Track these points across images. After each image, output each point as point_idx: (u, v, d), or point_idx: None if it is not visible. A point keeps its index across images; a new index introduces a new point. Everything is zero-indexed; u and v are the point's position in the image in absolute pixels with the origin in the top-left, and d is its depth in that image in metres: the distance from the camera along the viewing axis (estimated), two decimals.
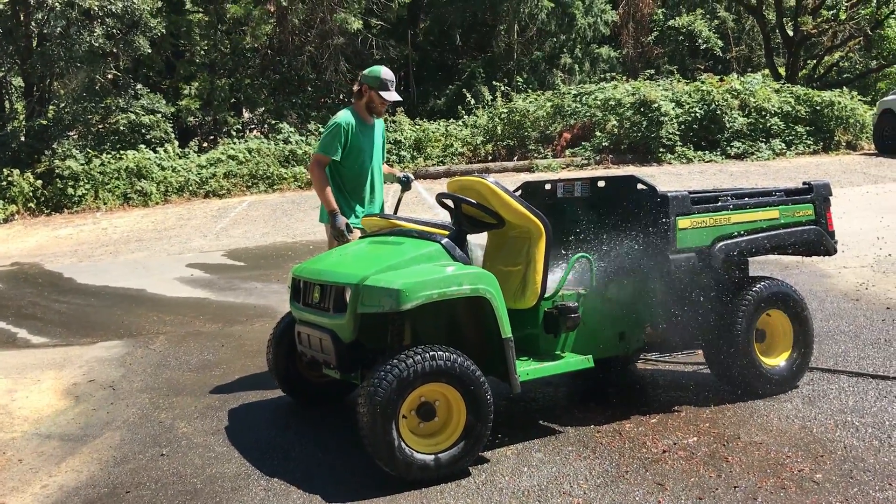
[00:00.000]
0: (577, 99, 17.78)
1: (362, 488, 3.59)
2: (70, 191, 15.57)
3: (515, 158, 16.76)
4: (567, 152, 16.71)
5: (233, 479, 3.76)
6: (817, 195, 4.69)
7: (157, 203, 15.60)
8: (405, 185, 5.47)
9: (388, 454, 3.48)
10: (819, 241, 4.67)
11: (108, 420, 4.70)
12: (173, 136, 18.14)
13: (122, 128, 17.52)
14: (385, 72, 5.17)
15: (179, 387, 5.28)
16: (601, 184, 4.75)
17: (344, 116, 5.16)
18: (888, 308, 6.18)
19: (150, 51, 17.88)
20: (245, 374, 5.50)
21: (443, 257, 3.90)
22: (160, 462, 4.02)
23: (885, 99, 16.83)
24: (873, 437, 3.90)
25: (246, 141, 17.71)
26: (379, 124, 5.40)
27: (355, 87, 5.27)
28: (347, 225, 5.05)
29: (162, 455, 4.11)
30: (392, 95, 5.17)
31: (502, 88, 18.76)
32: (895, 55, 28.03)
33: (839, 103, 17.34)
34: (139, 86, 18.37)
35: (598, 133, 16.71)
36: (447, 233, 4.06)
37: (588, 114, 17.17)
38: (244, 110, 21.45)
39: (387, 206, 5.54)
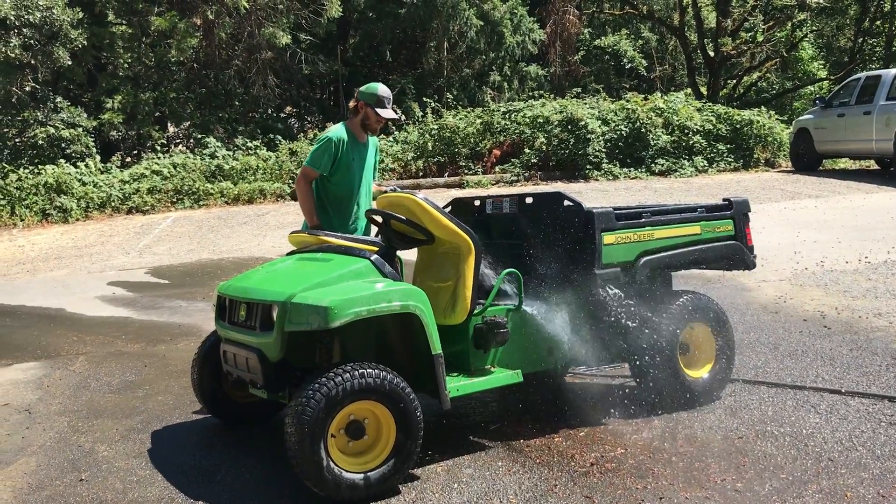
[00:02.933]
0: (507, 116, 17.99)
1: None
2: None
3: (446, 174, 16.84)
4: (497, 169, 16.87)
5: None
6: (737, 211, 4.84)
7: (77, 219, 15.13)
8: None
9: (317, 474, 3.44)
10: (739, 255, 4.82)
11: (22, 445, 4.51)
12: (95, 150, 17.61)
13: (40, 142, 16.93)
14: (382, 89, 5.06)
15: (100, 409, 5.11)
16: (529, 200, 4.80)
17: (336, 131, 5.03)
18: (805, 320, 6.40)
19: (70, 63, 17.36)
20: (169, 394, 5.36)
21: (372, 274, 3.88)
22: (79, 488, 3.88)
23: (800, 118, 17.52)
24: (791, 445, 4.02)
25: (171, 156, 17.33)
26: (373, 142, 5.27)
27: (351, 104, 5.12)
28: None
29: (81, 480, 3.97)
30: (388, 113, 5.03)
31: (433, 105, 18.85)
32: (809, 76, 29.26)
33: (758, 122, 17.97)
34: (59, 99, 17.81)
35: (526, 150, 16.93)
36: (376, 249, 4.05)
37: (517, 131, 17.39)
38: (169, 124, 21.00)
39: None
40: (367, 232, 5.18)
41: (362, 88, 5.12)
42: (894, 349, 5.55)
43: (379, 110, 4.99)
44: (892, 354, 5.44)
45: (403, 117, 18.70)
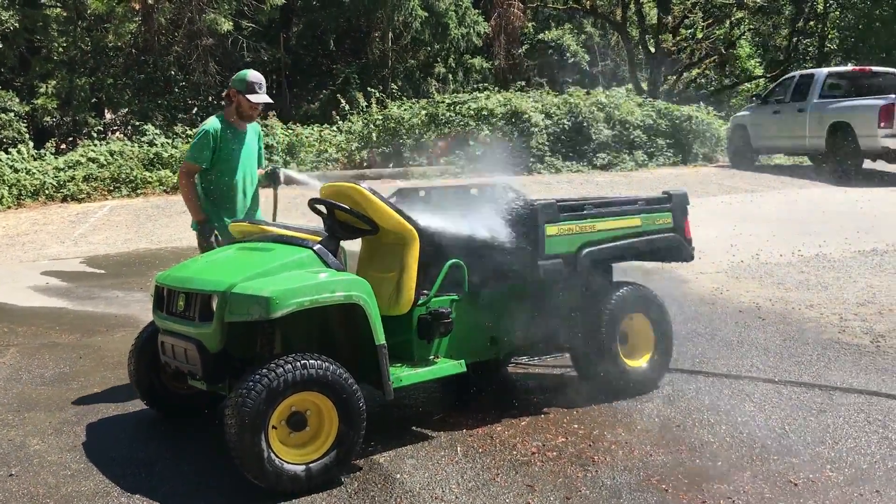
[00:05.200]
0: (451, 108, 17.99)
1: (231, 502, 3.48)
2: None
3: (391, 165, 16.76)
4: (442, 160, 16.87)
5: (90, 498, 3.57)
6: (676, 204, 4.92)
7: (9, 207, 14.65)
8: (274, 178, 5.35)
9: (257, 466, 3.40)
10: (678, 247, 4.91)
11: None
12: (28, 136, 17.09)
13: None
14: (252, 74, 5.07)
15: (32, 401, 4.97)
16: (474, 192, 4.81)
17: (212, 123, 5.03)
18: (741, 311, 6.56)
19: (0, 46, 16.80)
20: (105, 386, 5.23)
21: (315, 264, 3.85)
22: (8, 483, 3.76)
23: (737, 115, 17.91)
24: (726, 433, 4.12)
25: (108, 143, 16.87)
26: (253, 129, 5.27)
27: (224, 93, 5.14)
28: (216, 235, 4.92)
29: (11, 475, 3.85)
30: (261, 98, 5.05)
31: (377, 95, 18.73)
32: (747, 73, 29.94)
33: (697, 118, 18.30)
34: None
35: (471, 142, 16.97)
36: (319, 239, 4.01)
37: (462, 123, 17.40)
38: (106, 111, 20.48)
39: (267, 214, 5.43)
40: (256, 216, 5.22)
41: (234, 77, 5.15)
42: (825, 339, 5.72)
43: (250, 96, 5.01)
44: (823, 344, 5.61)
45: (342, 110, 18.49)
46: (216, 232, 4.95)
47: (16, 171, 15.24)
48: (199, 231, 5.00)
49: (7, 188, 14.81)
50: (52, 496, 3.61)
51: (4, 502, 3.56)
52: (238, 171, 5.09)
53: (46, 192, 15.11)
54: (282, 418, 3.50)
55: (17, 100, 17.40)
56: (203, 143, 4.98)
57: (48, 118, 18.12)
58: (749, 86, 29.19)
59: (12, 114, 16.84)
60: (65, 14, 18.93)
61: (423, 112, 17.78)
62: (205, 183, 5.09)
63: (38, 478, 3.81)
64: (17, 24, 17.00)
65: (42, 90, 17.50)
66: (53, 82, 17.57)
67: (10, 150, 15.84)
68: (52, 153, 16.49)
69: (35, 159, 15.89)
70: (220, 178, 5.07)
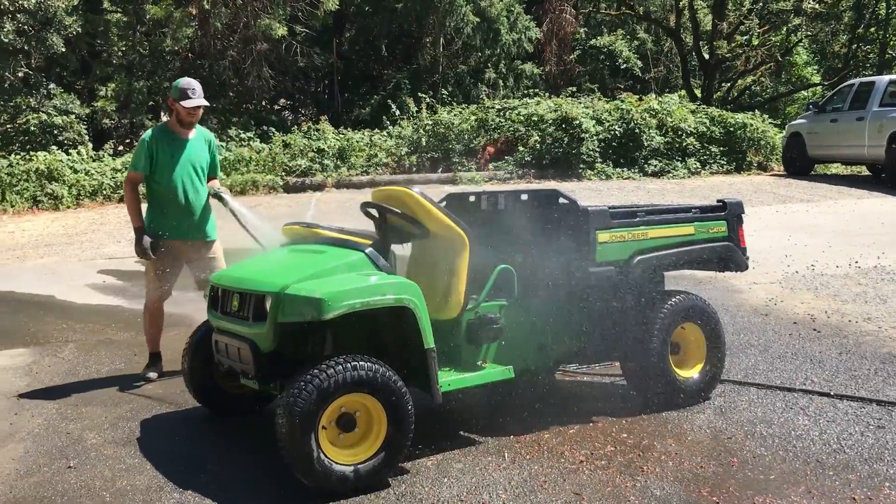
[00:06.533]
0: (501, 114, 17.98)
1: (280, 500, 3.53)
2: None
3: (439, 170, 16.82)
4: (490, 166, 16.87)
5: (144, 492, 3.64)
6: (731, 213, 4.85)
7: (68, 207, 15.05)
8: (222, 201, 5.46)
9: (307, 465, 3.43)
10: (731, 257, 4.83)
11: (11, 431, 4.49)
12: (87, 138, 17.55)
13: (32, 128, 16.86)
14: (185, 81, 5.31)
15: (89, 396, 5.09)
16: (524, 197, 4.80)
17: (149, 132, 5.33)
18: (795, 323, 6.43)
19: (64, 49, 17.26)
20: (159, 383, 5.34)
21: (366, 266, 3.88)
22: (67, 475, 3.86)
23: (793, 123, 17.57)
24: (779, 446, 4.04)
25: None
26: (199, 137, 5.45)
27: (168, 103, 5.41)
28: (152, 244, 5.19)
29: (69, 467, 3.95)
30: (192, 102, 5.24)
31: (427, 100, 18.82)
32: (803, 81, 29.36)
33: (751, 125, 18.01)
34: (52, 85, 17.74)
35: (520, 148, 16.93)
36: (370, 242, 4.04)
37: (511, 129, 17.38)
38: (162, 114, 20.92)
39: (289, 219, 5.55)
40: (203, 222, 5.38)
41: (172, 86, 5.39)
42: (883, 353, 5.58)
43: (183, 102, 5.22)
44: (881, 358, 5.46)
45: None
46: (150, 241, 5.20)
47: (75, 171, 15.66)
48: (136, 238, 5.27)
49: (67, 188, 15.23)
50: (108, 489, 3.69)
51: (63, 493, 3.66)
52: (176, 178, 5.26)
53: (104, 192, 15.50)
54: (332, 419, 3.53)
55: (79, 102, 17.88)
56: (139, 152, 5.28)
57: (107, 120, 18.58)
58: (805, 93, 28.58)
59: (73, 116, 17.30)
60: (125, 19, 19.40)
61: (473, 117, 17.81)
62: (149, 191, 5.36)
63: (94, 470, 3.90)
64: (79, 29, 17.46)
65: (102, 93, 17.97)
66: (112, 85, 18.02)
67: (70, 151, 16.28)
68: (110, 154, 16.91)
69: (94, 160, 16.31)
70: (158, 184, 5.29)
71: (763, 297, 7.28)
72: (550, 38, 25.76)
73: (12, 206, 14.78)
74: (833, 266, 8.38)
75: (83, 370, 5.70)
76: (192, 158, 5.32)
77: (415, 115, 18.68)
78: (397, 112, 18.78)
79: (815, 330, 6.21)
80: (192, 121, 5.31)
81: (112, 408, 4.86)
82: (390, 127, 18.59)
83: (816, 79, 29.86)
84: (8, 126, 17.47)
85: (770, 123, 19.15)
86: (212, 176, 5.55)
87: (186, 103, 5.19)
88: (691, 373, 4.71)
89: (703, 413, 4.54)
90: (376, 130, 18.66)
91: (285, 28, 19.75)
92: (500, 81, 23.88)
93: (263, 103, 21.04)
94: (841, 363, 5.40)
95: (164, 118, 21.03)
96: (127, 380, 5.43)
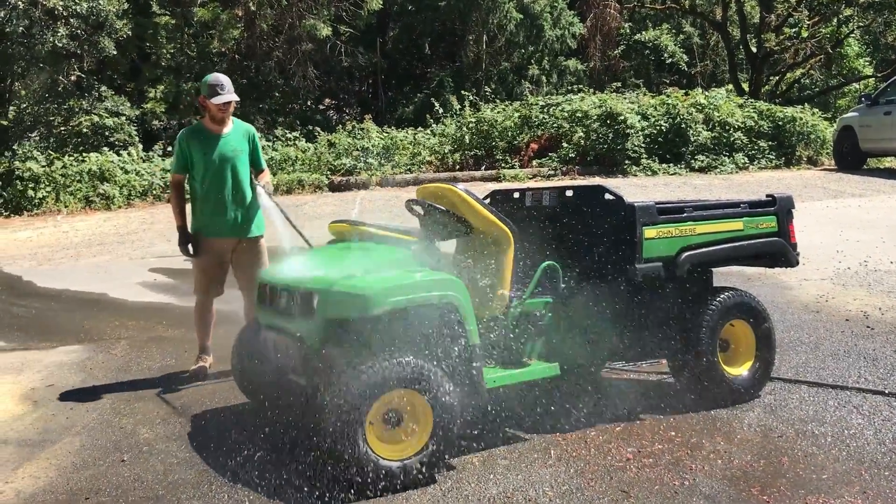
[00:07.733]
0: (545, 110, 17.87)
1: (329, 496, 3.56)
2: (30, 193, 15.25)
3: (483, 168, 16.79)
4: (534, 163, 16.78)
5: (195, 486, 3.71)
6: (781, 208, 4.77)
7: (119, 207, 15.37)
8: (253, 192, 5.47)
9: (354, 461, 3.46)
10: (781, 252, 4.75)
11: (67, 425, 4.61)
12: (137, 139, 17.87)
13: (84, 130, 17.21)
14: (212, 78, 5.34)
15: (141, 392, 5.20)
16: (569, 193, 4.78)
17: (182, 133, 5.42)
18: (847, 320, 6.29)
19: (115, 53, 17.60)
20: (208, 379, 5.43)
21: (411, 264, 3.90)
22: (120, 468, 3.95)
23: (845, 116, 17.18)
24: (832, 445, 3.96)
25: None
26: (237, 131, 5.45)
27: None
28: (192, 243, 5.34)
29: (122, 461, 4.04)
30: (222, 98, 5.26)
31: (470, 98, 18.79)
32: (854, 73, 28.67)
33: (801, 119, 17.64)
34: (103, 88, 18.08)
35: (564, 144, 16.82)
36: (416, 239, 4.06)
37: (555, 125, 17.27)
38: None
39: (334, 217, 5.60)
40: (246, 217, 5.40)
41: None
42: None
43: (213, 99, 5.25)
44: None
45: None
46: (190, 242, 5.35)
47: (126, 172, 15.97)
48: (178, 237, 5.45)
49: (118, 188, 15.54)
50: (161, 482, 3.77)
51: (118, 486, 3.74)
52: (210, 175, 5.30)
53: (154, 192, 15.79)
54: (378, 415, 3.56)
55: (129, 104, 18.22)
56: (176, 153, 5.40)
57: (156, 122, 18.90)
58: (857, 86, 27.87)
59: (124, 117, 17.64)
60: (173, 22, 19.71)
61: (516, 114, 17.74)
62: (191, 190, 5.43)
63: (147, 464, 3.99)
64: (129, 33, 17.80)
65: (151, 95, 18.27)
66: (161, 87, 18.32)
67: (121, 152, 16.61)
68: (159, 155, 17.21)
69: (144, 161, 16.61)
70: (199, 182, 5.35)
71: (814, 294, 7.14)
72: (594, 33, 25.55)
73: (66, 207, 15.14)
74: (887, 262, 8.18)
75: (135, 366, 5.82)
76: (227, 154, 5.33)
77: (458, 112, 18.67)
78: (441, 110, 18.78)
79: (868, 327, 6.07)
80: (223, 116, 5.34)
81: (163, 403, 4.96)
82: (434, 125, 18.60)
83: (868, 71, 29.10)
84: (62, 128, 17.88)
85: (820, 117, 18.74)
86: (258, 170, 5.54)
87: (216, 100, 5.23)
88: (741, 370, 4.64)
89: (753, 411, 4.48)
90: (420, 129, 18.69)
91: (330, 28, 19.89)
92: (544, 78, 23.74)
93: (309, 103, 21.20)
94: None
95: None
96: (178, 376, 5.53)
